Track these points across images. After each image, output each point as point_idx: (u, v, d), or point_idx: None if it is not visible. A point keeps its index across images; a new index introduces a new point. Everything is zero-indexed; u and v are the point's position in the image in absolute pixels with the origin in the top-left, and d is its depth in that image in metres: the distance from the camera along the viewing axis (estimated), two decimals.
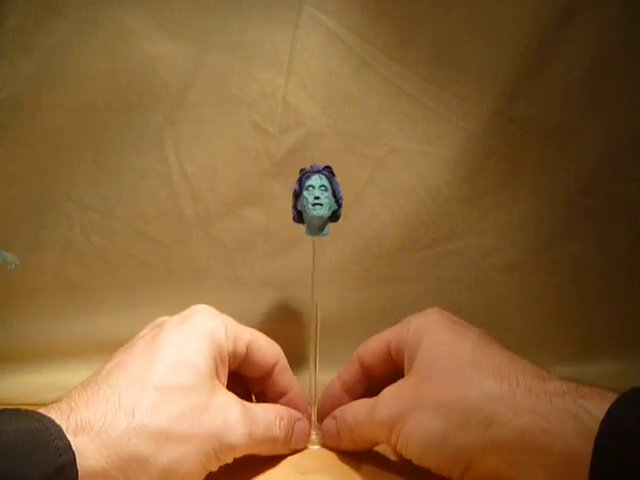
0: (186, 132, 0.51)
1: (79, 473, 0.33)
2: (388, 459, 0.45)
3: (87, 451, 0.34)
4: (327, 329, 0.46)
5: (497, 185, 0.53)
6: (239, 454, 0.41)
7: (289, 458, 0.44)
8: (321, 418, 0.47)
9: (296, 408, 0.46)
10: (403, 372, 0.43)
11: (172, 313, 0.45)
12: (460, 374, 0.39)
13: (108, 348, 0.50)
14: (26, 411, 0.34)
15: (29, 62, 0.49)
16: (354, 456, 0.45)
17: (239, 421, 0.40)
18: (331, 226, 0.45)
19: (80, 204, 0.52)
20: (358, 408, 0.44)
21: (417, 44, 0.50)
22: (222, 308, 0.45)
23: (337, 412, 0.45)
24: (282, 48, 0.50)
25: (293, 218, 0.45)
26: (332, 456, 0.45)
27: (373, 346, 0.46)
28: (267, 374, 0.46)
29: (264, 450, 0.43)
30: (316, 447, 0.46)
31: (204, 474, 0.39)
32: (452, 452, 0.38)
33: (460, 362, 0.39)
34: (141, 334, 0.44)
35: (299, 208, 0.44)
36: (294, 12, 0.49)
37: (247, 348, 0.44)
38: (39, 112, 0.50)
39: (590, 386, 0.36)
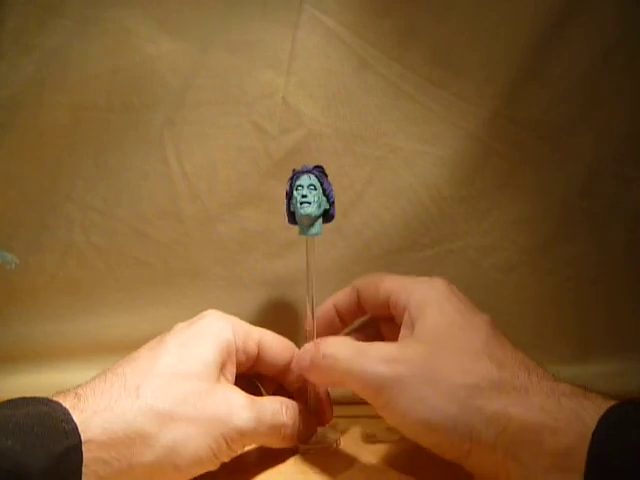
0: (186, 132, 0.51)
1: (84, 454, 0.34)
2: (388, 459, 0.45)
3: (93, 427, 0.35)
4: None
5: (496, 185, 0.53)
6: (248, 441, 0.41)
7: (289, 458, 0.44)
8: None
9: None
10: (396, 322, 0.43)
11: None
12: (476, 363, 0.38)
13: (108, 348, 0.51)
14: (35, 397, 0.36)
15: (30, 62, 0.49)
16: (354, 456, 0.45)
17: (244, 407, 0.40)
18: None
19: (80, 204, 0.52)
20: (341, 348, 0.41)
21: (417, 44, 0.50)
22: (222, 308, 0.45)
23: (320, 342, 0.42)
24: (282, 48, 0.50)
25: (288, 220, 0.45)
26: (331, 457, 0.45)
27: (371, 289, 0.45)
28: (282, 372, 0.46)
29: (272, 439, 0.43)
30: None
31: (217, 462, 0.39)
32: (457, 437, 0.37)
33: (477, 351, 0.38)
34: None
35: (291, 209, 0.44)
36: (294, 12, 0.50)
37: (259, 347, 0.44)
38: (39, 112, 0.50)
39: (595, 392, 0.36)
